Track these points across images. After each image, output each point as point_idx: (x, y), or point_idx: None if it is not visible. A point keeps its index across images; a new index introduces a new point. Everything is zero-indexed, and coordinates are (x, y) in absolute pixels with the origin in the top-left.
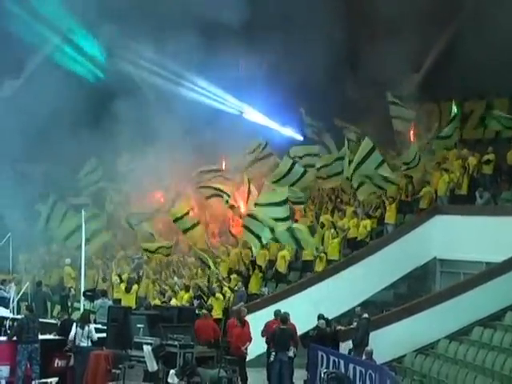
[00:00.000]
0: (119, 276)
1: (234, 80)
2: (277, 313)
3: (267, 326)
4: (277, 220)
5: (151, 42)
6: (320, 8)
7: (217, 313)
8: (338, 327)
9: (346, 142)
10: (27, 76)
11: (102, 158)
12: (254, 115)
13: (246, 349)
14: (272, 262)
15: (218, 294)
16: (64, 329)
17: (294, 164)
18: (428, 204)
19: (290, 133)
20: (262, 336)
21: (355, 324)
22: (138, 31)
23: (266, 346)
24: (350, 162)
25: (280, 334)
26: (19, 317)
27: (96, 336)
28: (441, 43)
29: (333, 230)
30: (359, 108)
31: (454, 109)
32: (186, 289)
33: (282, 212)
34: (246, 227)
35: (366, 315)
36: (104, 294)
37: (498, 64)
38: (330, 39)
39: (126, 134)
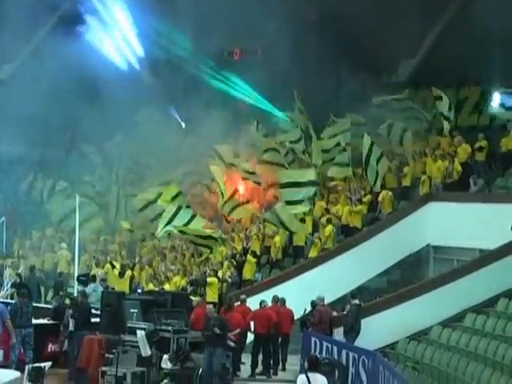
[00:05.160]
0: (111, 263)
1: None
2: (262, 302)
3: (255, 314)
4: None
5: None
6: None
7: (212, 297)
8: (333, 313)
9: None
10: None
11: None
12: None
13: (236, 335)
14: (267, 248)
15: (211, 279)
16: (58, 313)
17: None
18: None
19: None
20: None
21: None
22: None
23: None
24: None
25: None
26: (13, 301)
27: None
28: (436, 29)
29: (327, 217)
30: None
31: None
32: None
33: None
34: None
35: (356, 301)
36: (95, 279)
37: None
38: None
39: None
